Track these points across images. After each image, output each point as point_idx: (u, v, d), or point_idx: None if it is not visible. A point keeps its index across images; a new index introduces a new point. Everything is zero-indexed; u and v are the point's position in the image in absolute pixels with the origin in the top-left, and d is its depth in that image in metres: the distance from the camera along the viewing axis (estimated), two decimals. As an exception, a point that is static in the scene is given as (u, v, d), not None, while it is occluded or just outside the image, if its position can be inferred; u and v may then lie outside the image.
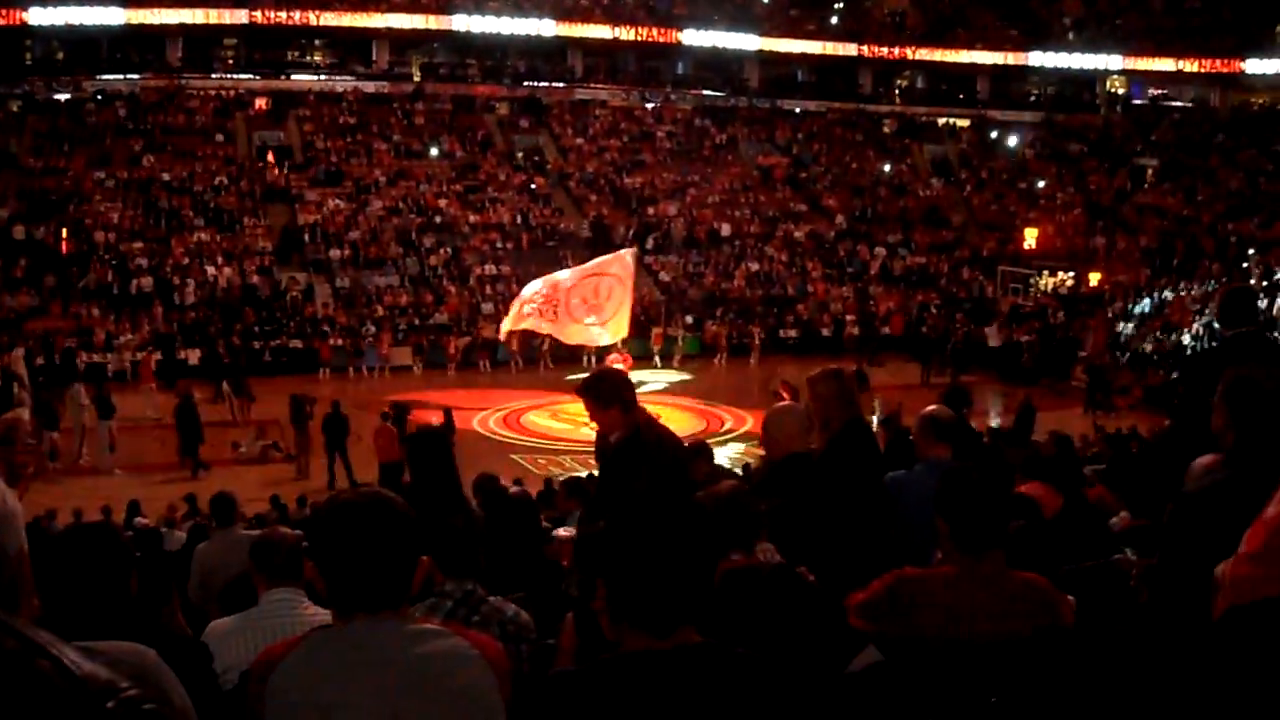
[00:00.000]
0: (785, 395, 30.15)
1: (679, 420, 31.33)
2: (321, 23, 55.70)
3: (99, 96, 51.54)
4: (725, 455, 26.43)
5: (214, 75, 55.16)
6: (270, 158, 49.88)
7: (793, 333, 43.57)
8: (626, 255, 32.12)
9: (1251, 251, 44.53)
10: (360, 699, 2.84)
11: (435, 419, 25.80)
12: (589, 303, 31.91)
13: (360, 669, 2.86)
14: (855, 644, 4.09)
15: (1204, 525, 3.92)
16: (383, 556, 2.92)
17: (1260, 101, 63.66)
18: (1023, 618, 3.92)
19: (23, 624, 1.43)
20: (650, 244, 47.62)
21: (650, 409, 6.98)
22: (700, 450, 9.88)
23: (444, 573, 4.44)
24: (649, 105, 59.89)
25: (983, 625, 3.86)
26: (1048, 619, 3.97)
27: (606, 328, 32.33)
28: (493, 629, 3.91)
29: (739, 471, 20.88)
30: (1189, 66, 63.18)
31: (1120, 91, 66.53)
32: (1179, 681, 3.42)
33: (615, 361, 30.39)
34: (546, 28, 58.16)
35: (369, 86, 56.17)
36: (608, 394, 6.56)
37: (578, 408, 32.12)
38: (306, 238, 44.79)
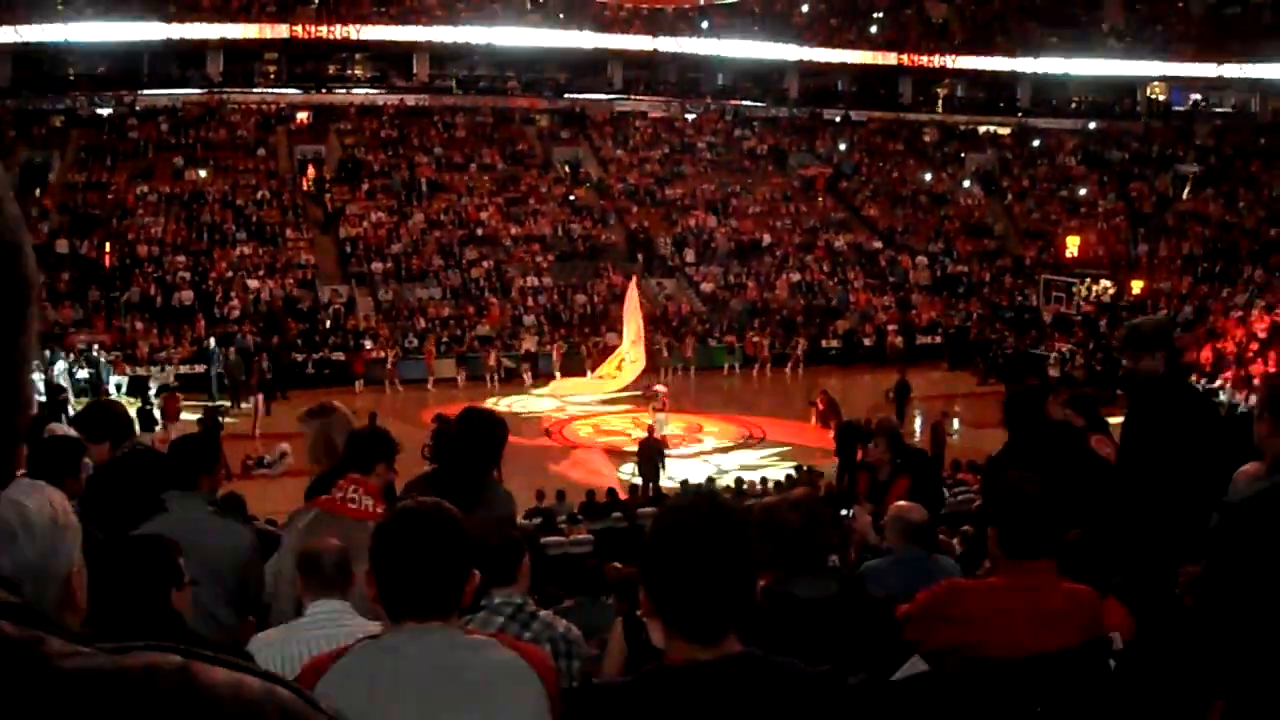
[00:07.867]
0: (823, 405, 30.15)
1: (721, 430, 31.21)
2: (362, 36, 55.92)
3: (141, 111, 51.77)
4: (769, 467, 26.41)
5: (255, 89, 55.42)
6: (311, 171, 50.09)
7: (835, 343, 43.36)
8: (631, 286, 32.60)
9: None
10: (407, 710, 2.86)
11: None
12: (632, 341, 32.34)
13: (408, 679, 2.88)
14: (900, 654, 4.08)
15: (1249, 534, 3.89)
16: (436, 563, 2.94)
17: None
18: (1069, 629, 3.91)
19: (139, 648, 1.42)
20: (691, 255, 47.73)
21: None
22: None
23: (489, 582, 4.39)
24: (689, 116, 59.82)
25: (1028, 636, 3.85)
26: (1094, 630, 3.96)
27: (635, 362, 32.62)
28: (544, 645, 3.90)
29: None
30: (1230, 72, 62.92)
31: (1161, 98, 66.12)
32: (1225, 689, 3.40)
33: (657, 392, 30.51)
34: (586, 40, 58.11)
35: (410, 99, 56.33)
36: (99, 430, 6.57)
37: (622, 421, 32.12)
38: (348, 250, 44.89)
